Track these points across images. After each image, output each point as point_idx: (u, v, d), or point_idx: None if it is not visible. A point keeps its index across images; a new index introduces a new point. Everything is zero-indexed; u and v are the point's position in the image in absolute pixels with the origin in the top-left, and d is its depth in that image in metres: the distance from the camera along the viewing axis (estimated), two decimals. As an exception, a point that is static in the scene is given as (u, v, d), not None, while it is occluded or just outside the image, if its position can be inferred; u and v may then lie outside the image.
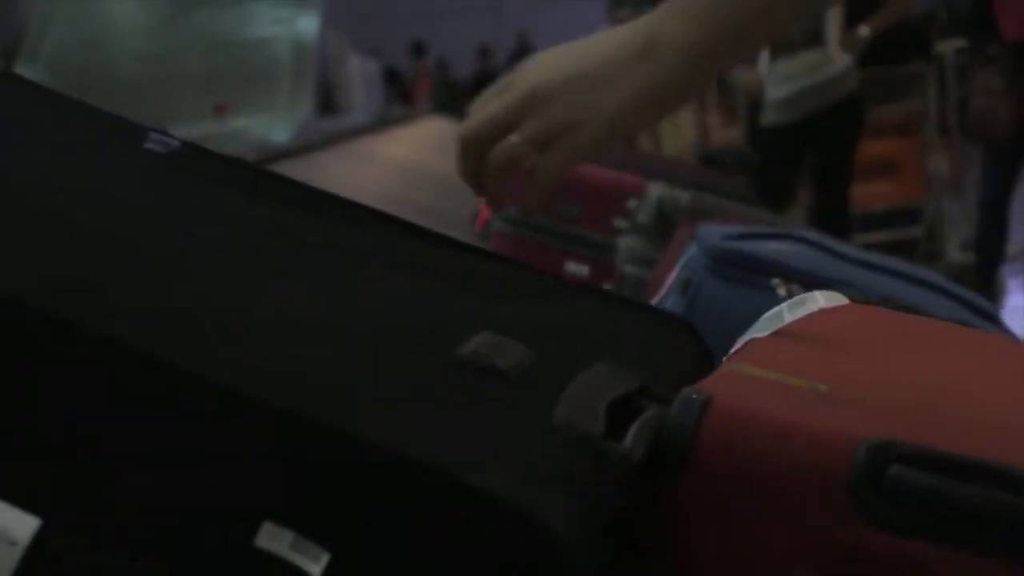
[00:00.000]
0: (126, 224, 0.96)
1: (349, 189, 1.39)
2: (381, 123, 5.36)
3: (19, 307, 0.81)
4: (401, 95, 12.07)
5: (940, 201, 5.81)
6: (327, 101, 7.96)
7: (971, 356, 1.12)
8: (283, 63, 4.63)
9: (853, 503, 0.80)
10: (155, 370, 0.80)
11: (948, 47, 5.78)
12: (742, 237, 1.52)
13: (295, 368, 0.85)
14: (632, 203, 2.05)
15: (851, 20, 4.51)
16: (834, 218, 4.45)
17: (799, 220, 4.62)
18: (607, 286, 1.86)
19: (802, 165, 4.73)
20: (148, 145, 1.04)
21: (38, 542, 0.76)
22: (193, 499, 0.80)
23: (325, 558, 0.77)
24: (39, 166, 1.01)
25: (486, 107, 0.83)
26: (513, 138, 0.80)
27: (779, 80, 4.45)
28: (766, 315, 1.02)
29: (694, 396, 0.86)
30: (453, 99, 11.23)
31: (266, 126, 4.62)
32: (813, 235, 1.65)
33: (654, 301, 1.46)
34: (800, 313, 1.01)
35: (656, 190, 1.98)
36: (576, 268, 2.24)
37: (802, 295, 1.04)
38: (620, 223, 2.04)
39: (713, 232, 1.52)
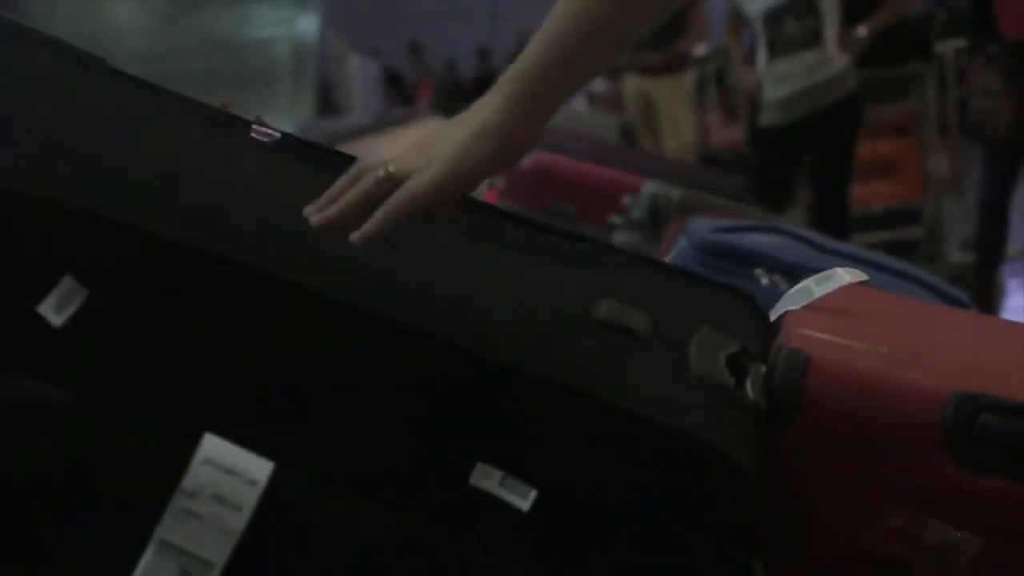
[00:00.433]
0: (280, 196, 1.05)
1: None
2: (381, 123, 5.36)
3: (264, 274, 0.88)
4: (401, 95, 12.07)
5: (940, 201, 5.80)
6: (327, 101, 7.97)
7: (972, 327, 1.24)
8: (283, 64, 4.63)
9: (948, 449, 0.91)
10: (379, 327, 0.88)
11: (948, 47, 5.78)
12: (728, 230, 1.62)
13: (502, 327, 0.95)
14: (627, 200, 2.09)
15: (850, 20, 4.51)
16: (833, 218, 4.44)
17: (799, 220, 4.62)
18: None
19: (801, 165, 4.73)
20: (253, 135, 1.12)
21: (273, 483, 0.85)
22: (415, 443, 0.88)
23: (533, 494, 0.86)
24: (184, 149, 1.09)
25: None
26: (379, 171, 0.96)
27: (778, 80, 4.45)
28: (794, 289, 1.14)
29: (797, 354, 0.97)
30: (454, 99, 11.24)
31: (266, 126, 4.60)
32: (794, 228, 1.74)
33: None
34: (828, 288, 1.11)
35: (649, 187, 2.02)
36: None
37: (827, 271, 1.13)
38: (615, 219, 2.07)
39: (701, 226, 1.62)
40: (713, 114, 6.60)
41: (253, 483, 0.84)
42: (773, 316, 1.11)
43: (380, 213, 0.92)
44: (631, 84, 5.94)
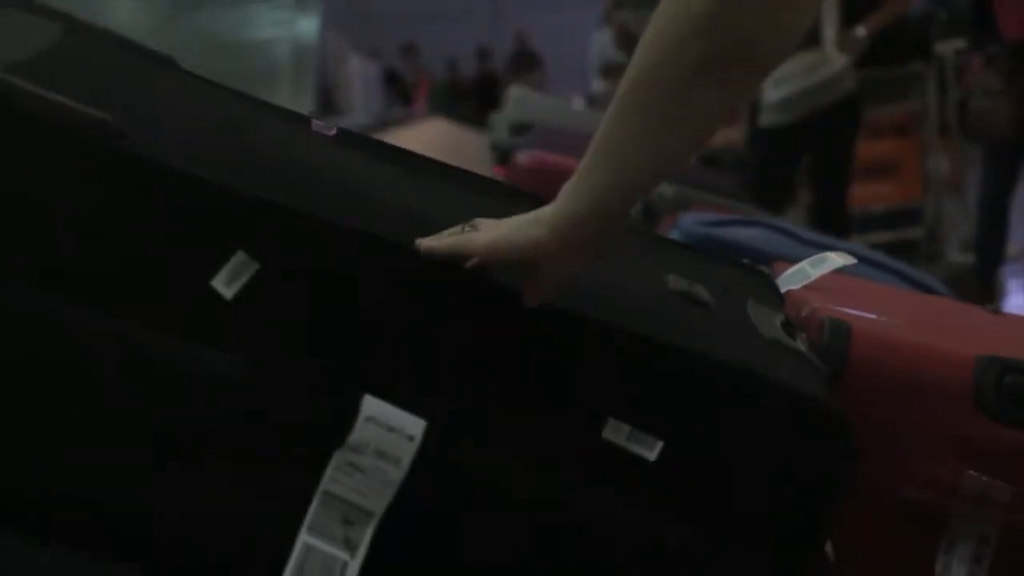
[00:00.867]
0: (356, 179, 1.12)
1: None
2: (381, 124, 5.37)
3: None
4: (401, 96, 12.08)
5: (940, 201, 5.81)
6: (327, 102, 7.97)
7: (961, 311, 1.36)
8: (283, 64, 4.62)
9: (979, 407, 1.02)
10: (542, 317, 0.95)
11: (948, 47, 5.78)
12: (716, 224, 1.72)
13: (627, 303, 1.03)
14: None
15: (849, 20, 4.51)
16: (833, 218, 4.45)
17: (799, 220, 4.62)
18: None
19: (801, 165, 4.73)
20: (314, 128, 1.20)
21: (427, 438, 0.92)
22: (553, 402, 0.96)
23: (659, 445, 0.93)
24: (261, 137, 1.15)
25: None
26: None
27: (777, 81, 4.45)
28: (791, 271, 1.23)
29: (840, 323, 1.06)
30: (454, 100, 11.24)
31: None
32: (778, 222, 1.81)
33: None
34: (823, 270, 1.20)
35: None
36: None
37: (819, 255, 1.23)
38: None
39: (691, 219, 1.73)
40: (713, 114, 6.58)
41: (411, 438, 0.92)
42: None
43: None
44: (631, 84, 5.93)
